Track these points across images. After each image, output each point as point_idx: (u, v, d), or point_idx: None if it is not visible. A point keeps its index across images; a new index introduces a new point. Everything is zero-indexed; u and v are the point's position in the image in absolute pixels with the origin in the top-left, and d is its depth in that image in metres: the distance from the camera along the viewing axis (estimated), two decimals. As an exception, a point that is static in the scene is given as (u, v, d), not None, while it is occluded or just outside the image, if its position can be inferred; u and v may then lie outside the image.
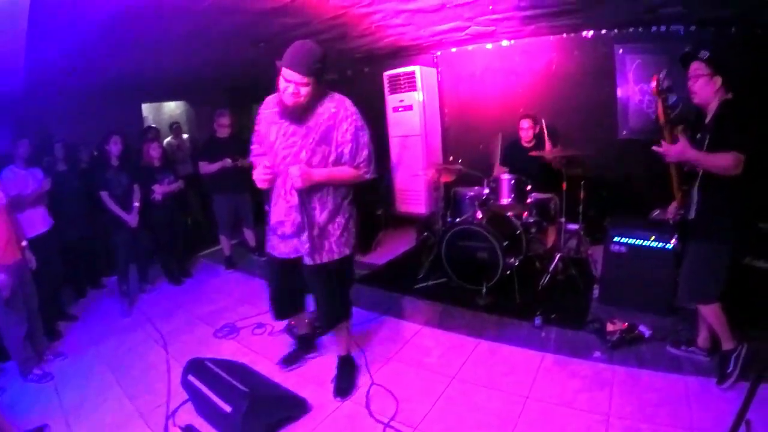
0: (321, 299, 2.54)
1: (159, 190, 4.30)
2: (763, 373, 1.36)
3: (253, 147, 2.52)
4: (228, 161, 4.51)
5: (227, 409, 2.16)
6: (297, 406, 2.41)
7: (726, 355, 2.43)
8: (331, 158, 2.28)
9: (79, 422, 2.45)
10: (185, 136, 6.72)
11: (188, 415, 2.44)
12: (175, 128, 6.58)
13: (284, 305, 2.71)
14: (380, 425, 2.30)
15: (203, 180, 4.92)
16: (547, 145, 4.20)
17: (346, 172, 2.31)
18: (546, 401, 2.40)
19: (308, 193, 2.26)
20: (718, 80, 2.29)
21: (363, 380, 2.70)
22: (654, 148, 2.35)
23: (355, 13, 3.62)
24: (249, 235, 5.15)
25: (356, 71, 6.46)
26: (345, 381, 2.65)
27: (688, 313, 3.03)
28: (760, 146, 2.21)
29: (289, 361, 2.90)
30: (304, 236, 2.32)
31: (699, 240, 2.44)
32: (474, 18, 3.96)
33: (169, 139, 6.45)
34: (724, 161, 2.19)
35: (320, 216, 2.33)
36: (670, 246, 3.12)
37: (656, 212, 3.77)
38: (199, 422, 2.35)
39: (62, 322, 3.79)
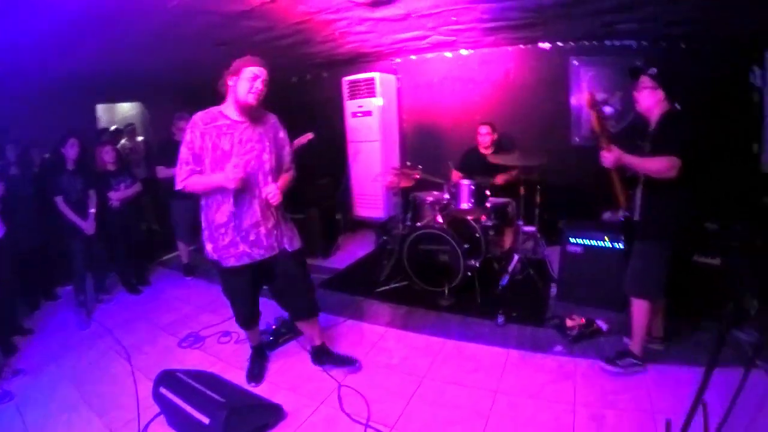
0: (303, 286, 2.74)
1: (115, 197, 4.13)
2: (714, 361, 1.53)
3: (184, 168, 2.42)
4: None
5: (205, 420, 2.13)
6: (273, 414, 2.42)
7: (628, 355, 2.65)
8: (277, 155, 2.55)
9: (44, 443, 2.33)
10: (139, 138, 6.45)
11: (161, 428, 2.39)
12: (129, 130, 6.29)
13: (257, 313, 2.81)
14: (359, 426, 2.35)
15: (159, 185, 4.76)
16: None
17: (292, 175, 2.66)
18: (514, 394, 2.55)
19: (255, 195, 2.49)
20: (660, 93, 2.49)
21: (332, 384, 2.75)
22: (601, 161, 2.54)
23: (321, 20, 3.65)
24: (207, 242, 5.03)
25: (316, 75, 6.46)
26: (339, 358, 2.91)
27: None
28: (700, 151, 2.41)
29: (256, 376, 2.86)
30: (280, 228, 2.57)
31: (641, 239, 2.62)
32: (437, 28, 4.08)
33: (123, 141, 6.17)
34: (657, 164, 2.37)
35: (282, 210, 2.62)
36: (622, 245, 3.36)
37: (607, 214, 4.05)
38: (171, 435, 2.31)
39: (17, 336, 3.56)
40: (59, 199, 3.76)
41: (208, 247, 2.58)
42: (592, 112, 2.65)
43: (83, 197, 3.89)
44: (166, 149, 4.59)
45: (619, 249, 3.38)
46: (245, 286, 2.65)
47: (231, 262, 2.52)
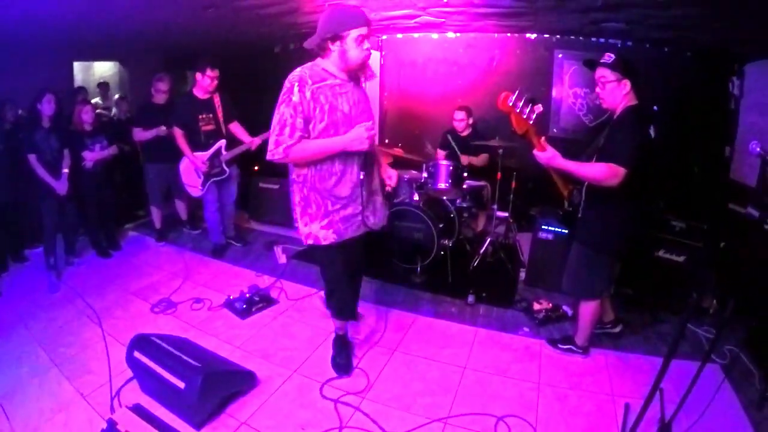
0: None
1: (90, 157, 4.00)
2: (672, 352, 1.65)
3: (289, 133, 2.06)
4: (163, 129, 4.29)
5: (180, 385, 2.16)
6: (247, 380, 2.48)
7: (571, 341, 2.80)
8: None
9: (15, 407, 2.30)
10: (116, 96, 6.15)
11: (133, 393, 2.40)
12: (103, 88, 6.04)
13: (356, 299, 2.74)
14: (331, 395, 2.44)
15: (135, 147, 4.65)
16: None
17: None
18: (482, 371, 2.69)
19: (371, 162, 2.37)
20: (627, 84, 2.27)
21: (304, 353, 2.83)
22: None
23: (312, -11, 3.58)
24: (180, 207, 4.96)
25: (300, 47, 6.31)
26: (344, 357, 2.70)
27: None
28: (654, 160, 2.27)
29: (344, 366, 2.67)
30: (374, 202, 2.43)
31: (582, 243, 2.54)
32: (427, 8, 4.05)
33: (96, 100, 5.92)
34: (596, 172, 2.19)
35: (376, 181, 2.46)
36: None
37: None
38: (145, 400, 2.33)
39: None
40: (32, 157, 3.62)
41: (314, 227, 2.28)
42: (509, 112, 2.46)
43: (58, 157, 3.76)
44: (143, 111, 4.48)
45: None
46: (348, 264, 2.42)
47: (337, 236, 2.27)
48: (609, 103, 2.38)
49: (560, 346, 2.84)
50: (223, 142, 4.10)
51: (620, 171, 2.13)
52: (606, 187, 2.20)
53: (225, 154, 4.13)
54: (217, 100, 4.06)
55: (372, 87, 5.66)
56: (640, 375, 2.65)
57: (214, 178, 4.18)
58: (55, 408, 2.30)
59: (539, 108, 2.47)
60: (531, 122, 2.46)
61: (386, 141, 5.68)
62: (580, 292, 2.67)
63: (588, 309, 2.65)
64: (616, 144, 2.22)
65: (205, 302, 3.44)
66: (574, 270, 2.62)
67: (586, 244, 2.52)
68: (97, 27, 4.31)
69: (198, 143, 4.01)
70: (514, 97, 2.44)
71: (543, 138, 2.43)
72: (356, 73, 2.22)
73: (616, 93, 2.31)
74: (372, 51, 2.15)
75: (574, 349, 2.79)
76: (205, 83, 3.94)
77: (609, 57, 2.32)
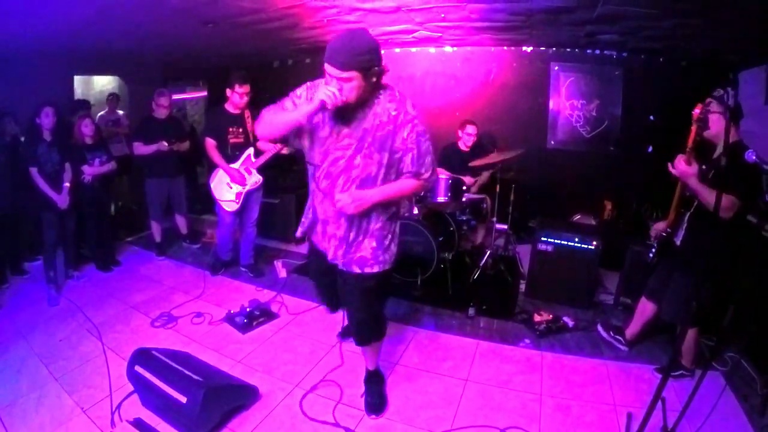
0: (357, 313, 2.30)
1: (89, 171, 4.01)
2: (673, 361, 1.66)
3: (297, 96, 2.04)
4: (164, 144, 4.32)
5: (182, 399, 2.15)
6: (249, 395, 2.46)
7: (680, 368, 2.69)
8: (385, 163, 2.00)
9: (15, 421, 2.29)
10: (120, 112, 6.18)
11: (134, 407, 2.39)
12: (110, 100, 6.03)
13: (336, 303, 2.64)
14: (332, 409, 2.42)
15: (136, 162, 4.66)
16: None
17: (406, 185, 2.06)
18: (484, 383, 2.69)
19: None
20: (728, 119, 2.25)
21: (305, 368, 2.81)
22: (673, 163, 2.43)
23: (311, 6, 3.63)
24: (181, 222, 4.98)
25: (298, 61, 6.40)
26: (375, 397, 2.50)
27: (606, 307, 3.55)
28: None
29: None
30: (354, 246, 2.12)
31: (684, 272, 2.54)
32: (424, 23, 4.12)
33: (101, 113, 5.94)
34: (723, 202, 2.12)
35: (375, 225, 2.12)
36: (591, 247, 3.53)
37: (577, 216, 4.23)
38: (146, 414, 2.32)
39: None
40: (34, 170, 3.63)
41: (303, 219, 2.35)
42: (693, 128, 2.45)
43: (59, 170, 3.77)
44: (144, 126, 4.50)
45: (589, 250, 3.54)
46: (318, 270, 2.46)
47: (311, 236, 2.35)
48: (711, 133, 2.42)
49: (673, 374, 2.67)
50: (251, 150, 4.04)
51: (738, 204, 2.21)
52: (718, 217, 2.19)
53: (254, 162, 4.07)
54: (247, 114, 4.03)
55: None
56: (641, 384, 2.65)
57: (249, 188, 4.08)
58: (55, 422, 2.28)
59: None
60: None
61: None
62: (682, 321, 2.56)
63: (692, 334, 2.61)
64: (736, 178, 2.21)
65: (206, 316, 3.43)
66: (676, 298, 2.59)
67: (690, 274, 2.50)
68: (97, 42, 4.36)
69: (225, 155, 3.97)
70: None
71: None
72: (339, 110, 1.94)
73: (719, 124, 2.35)
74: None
75: (685, 373, 2.69)
76: (235, 99, 3.91)
77: (718, 91, 2.39)
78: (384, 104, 1.96)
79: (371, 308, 2.28)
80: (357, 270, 2.13)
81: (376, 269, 2.14)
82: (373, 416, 2.39)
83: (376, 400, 2.46)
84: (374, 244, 2.12)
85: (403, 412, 2.43)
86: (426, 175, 2.06)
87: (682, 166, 2.38)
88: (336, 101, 1.80)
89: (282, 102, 2.06)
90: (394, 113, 1.96)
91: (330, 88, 1.81)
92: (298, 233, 2.37)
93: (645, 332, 2.98)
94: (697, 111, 2.41)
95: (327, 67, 1.80)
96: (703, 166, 2.40)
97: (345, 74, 1.78)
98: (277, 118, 1.96)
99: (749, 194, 2.24)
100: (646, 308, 2.89)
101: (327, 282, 2.44)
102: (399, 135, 1.97)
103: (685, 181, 2.42)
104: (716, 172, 2.34)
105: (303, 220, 2.34)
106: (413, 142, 1.98)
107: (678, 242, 2.60)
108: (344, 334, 3.05)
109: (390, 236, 2.19)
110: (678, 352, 2.57)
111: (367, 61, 1.80)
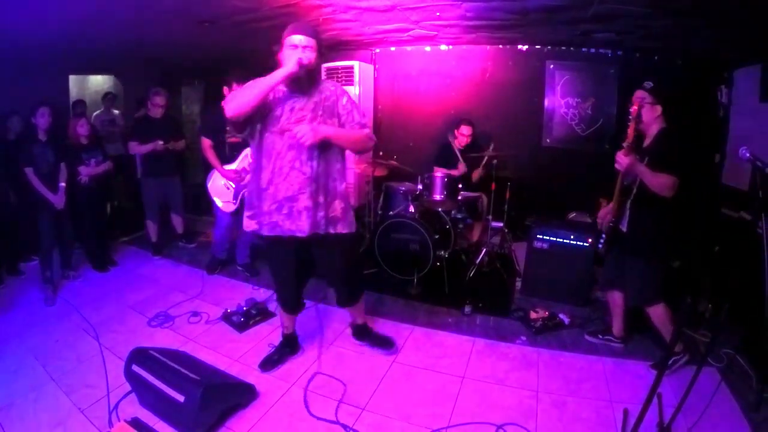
0: (342, 275, 2.68)
1: (85, 172, 4.01)
2: (669, 357, 1.68)
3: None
4: (160, 143, 4.31)
5: (180, 398, 2.15)
6: (246, 393, 2.46)
7: (676, 354, 2.70)
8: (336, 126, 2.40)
9: (12, 422, 2.28)
10: (116, 111, 6.15)
11: (132, 407, 2.39)
12: (107, 99, 6.01)
13: (298, 296, 2.74)
14: (331, 405, 2.44)
15: (132, 161, 4.65)
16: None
17: (356, 132, 2.43)
18: (481, 380, 2.70)
19: (327, 162, 2.40)
20: (658, 108, 2.55)
21: (304, 365, 2.82)
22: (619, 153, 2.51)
23: (306, 4, 3.63)
24: (177, 221, 4.96)
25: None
26: (378, 338, 2.99)
27: (601, 304, 3.52)
28: (688, 170, 2.44)
29: (269, 363, 2.79)
30: (325, 207, 2.40)
31: (635, 255, 2.69)
32: (420, 22, 4.12)
33: (97, 112, 5.92)
34: (664, 180, 2.39)
35: (340, 186, 2.47)
36: (586, 244, 3.56)
37: (573, 215, 4.25)
38: (144, 414, 2.31)
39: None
40: (29, 171, 3.62)
41: (247, 215, 2.46)
42: (631, 124, 2.51)
43: (54, 170, 3.76)
44: (140, 125, 4.49)
45: (584, 247, 3.57)
46: (283, 261, 2.56)
47: (265, 231, 2.41)
48: (643, 122, 2.60)
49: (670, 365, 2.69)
50: (248, 150, 4.04)
51: (676, 182, 2.39)
52: (656, 196, 2.44)
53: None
54: None
55: (367, 99, 5.73)
56: (637, 380, 2.67)
57: (245, 189, 4.07)
58: (52, 422, 2.27)
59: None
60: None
61: (380, 153, 5.71)
62: (644, 301, 2.73)
63: (657, 312, 2.70)
64: (670, 158, 2.43)
65: (203, 315, 3.43)
66: (633, 282, 2.75)
67: (640, 254, 2.67)
68: (92, 41, 4.34)
69: (223, 156, 3.97)
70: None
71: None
72: (300, 83, 2.28)
73: (650, 114, 2.58)
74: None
75: (677, 358, 2.71)
76: None
77: (648, 84, 2.60)
78: (325, 84, 2.43)
79: (354, 266, 2.71)
80: (333, 231, 2.45)
81: (347, 230, 2.51)
82: (393, 355, 2.91)
83: (383, 339, 2.98)
84: (343, 204, 2.48)
85: (401, 409, 2.44)
86: (368, 129, 2.51)
87: (623, 161, 2.48)
88: (305, 63, 2.15)
89: (247, 84, 2.24)
90: (332, 88, 2.44)
91: (297, 53, 2.15)
92: (249, 227, 2.47)
93: (631, 323, 3.03)
94: (634, 108, 2.51)
95: (295, 37, 2.18)
96: (637, 156, 2.54)
97: (312, 42, 2.20)
98: (252, 91, 2.15)
99: (684, 169, 2.40)
100: (615, 299, 2.98)
101: (286, 276, 2.63)
102: (339, 102, 2.43)
103: (631, 170, 2.51)
104: (651, 158, 2.51)
105: (247, 214, 2.46)
106: (351, 104, 2.46)
107: (624, 228, 2.74)
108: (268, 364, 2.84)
109: (348, 202, 2.54)
110: (671, 349, 2.58)
111: (319, 34, 2.28)
